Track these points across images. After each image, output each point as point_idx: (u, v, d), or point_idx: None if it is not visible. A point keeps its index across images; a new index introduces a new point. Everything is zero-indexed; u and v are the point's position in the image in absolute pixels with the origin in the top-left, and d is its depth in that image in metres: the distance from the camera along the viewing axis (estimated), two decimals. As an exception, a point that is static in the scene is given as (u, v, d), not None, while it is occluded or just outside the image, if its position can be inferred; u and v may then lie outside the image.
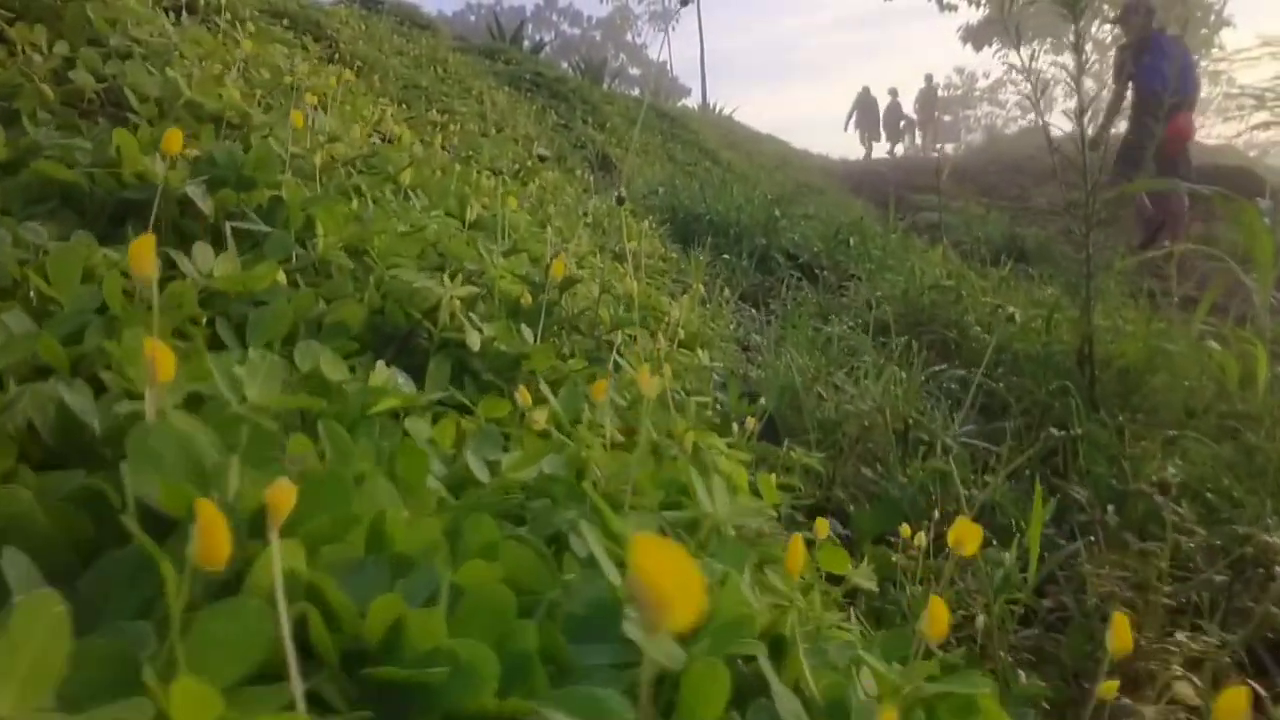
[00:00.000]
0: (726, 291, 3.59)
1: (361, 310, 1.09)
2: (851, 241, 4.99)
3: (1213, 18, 21.39)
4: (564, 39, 53.77)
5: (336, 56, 5.27)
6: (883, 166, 26.48)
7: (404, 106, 5.38)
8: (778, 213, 5.30)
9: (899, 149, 32.99)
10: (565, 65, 16.40)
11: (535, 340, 1.28)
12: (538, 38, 22.77)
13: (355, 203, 1.62)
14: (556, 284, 1.44)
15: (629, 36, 56.59)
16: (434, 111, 5.65)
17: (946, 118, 46.59)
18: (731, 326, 2.93)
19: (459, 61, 8.11)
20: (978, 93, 50.70)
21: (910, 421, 1.94)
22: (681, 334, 2.06)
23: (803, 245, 5.03)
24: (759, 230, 5.22)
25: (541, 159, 1.54)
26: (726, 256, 4.40)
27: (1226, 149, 30.10)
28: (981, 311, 3.53)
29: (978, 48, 28.79)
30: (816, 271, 4.88)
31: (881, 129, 31.79)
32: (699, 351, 2.09)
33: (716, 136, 18.41)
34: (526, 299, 1.38)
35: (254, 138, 1.56)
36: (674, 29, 49.53)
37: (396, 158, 2.08)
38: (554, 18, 55.47)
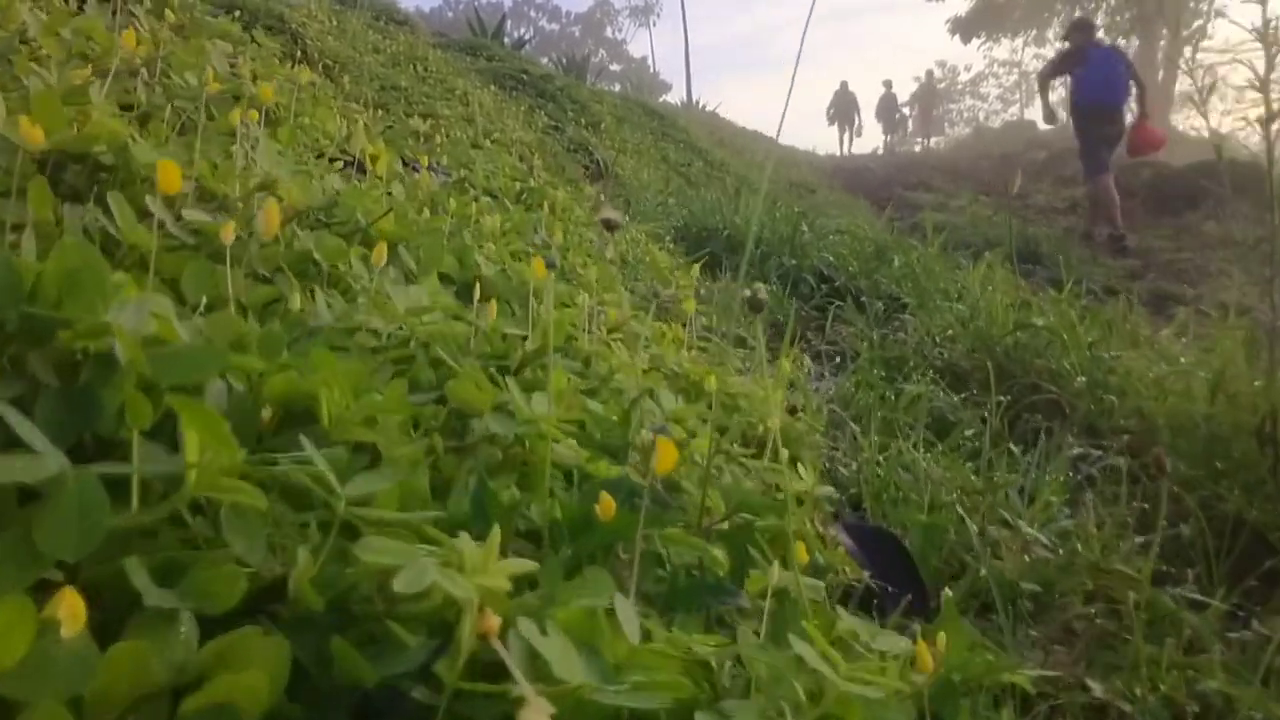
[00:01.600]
0: (810, 363, 2.95)
1: (277, 659, 0.46)
2: (897, 262, 4.37)
3: (1205, 6, 20.97)
4: (543, 35, 52.96)
5: (300, 54, 4.60)
6: (872, 162, 25.97)
7: (381, 112, 4.73)
8: (805, 228, 4.68)
9: (886, 140, 32.74)
10: (546, 61, 15.74)
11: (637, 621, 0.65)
12: (516, 34, 22.03)
13: (298, 298, 0.98)
14: (657, 476, 0.81)
15: (608, 32, 55.86)
16: (415, 118, 5.01)
17: (937, 111, 46.14)
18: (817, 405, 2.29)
19: (439, 59, 7.44)
20: (960, 86, 50.26)
21: (1132, 579, 1.32)
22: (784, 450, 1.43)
23: (836, 265, 4.41)
24: (784, 247, 4.60)
25: (610, 227, 0.99)
26: (763, 286, 3.78)
27: (1217, 142, 29.73)
28: (1082, 357, 2.92)
29: (966, 39, 28.27)
30: (856, 296, 4.26)
31: (877, 120, 31.60)
32: (800, 470, 1.46)
33: (704, 134, 17.81)
34: (606, 505, 0.75)
35: (119, 196, 0.91)
36: (654, 24, 48.71)
37: (368, 203, 1.44)
38: (532, 13, 54.65)
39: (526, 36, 16.36)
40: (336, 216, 1.37)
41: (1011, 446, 2.19)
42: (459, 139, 3.66)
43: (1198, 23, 21.27)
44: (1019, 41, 43.26)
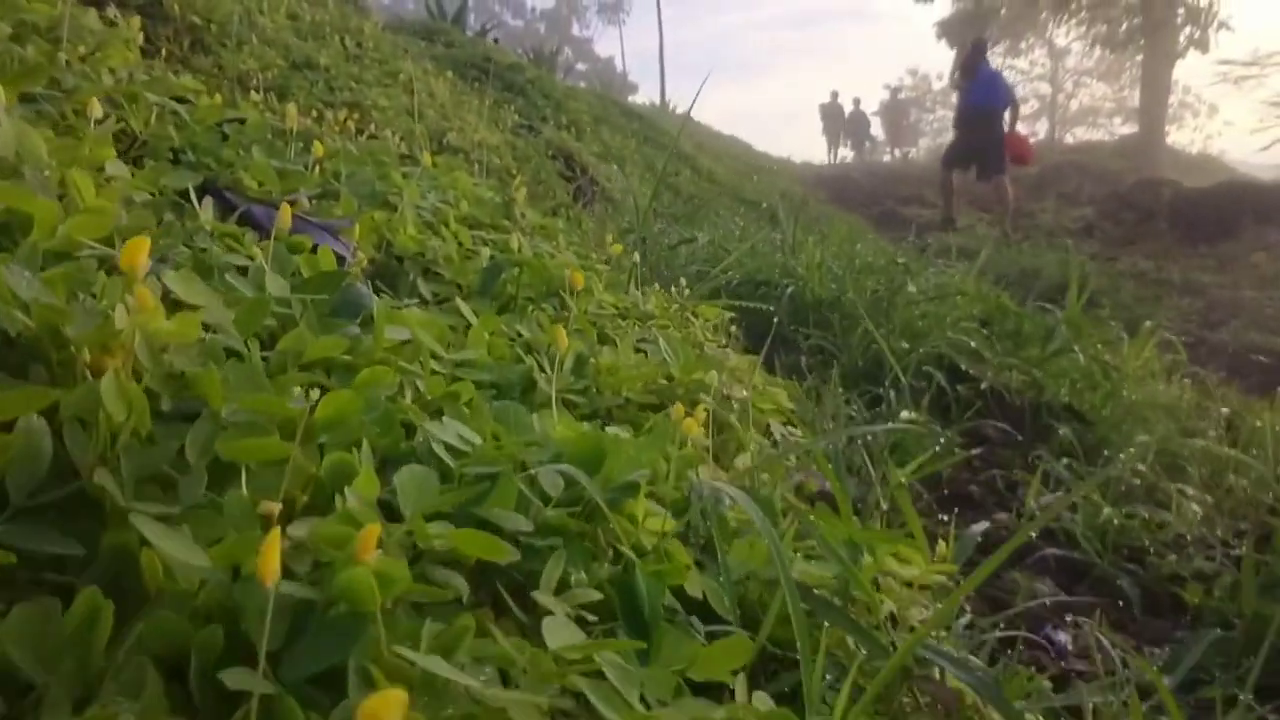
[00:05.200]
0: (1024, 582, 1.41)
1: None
2: (1081, 357, 2.83)
3: (1211, 18, 19.90)
4: (506, 30, 51.15)
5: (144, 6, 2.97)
6: (856, 173, 24.71)
7: (269, 97, 3.13)
8: (912, 288, 3.14)
9: (848, 154, 32.32)
10: (520, 52, 14.10)
11: None
12: (480, 25, 20.26)
13: None
14: None
15: (575, 29, 54.19)
16: (330, 109, 3.45)
17: (905, 121, 45.18)
18: None
19: (379, 35, 5.80)
20: (932, 94, 49.34)
21: None
22: None
23: (977, 353, 2.87)
24: (881, 316, 3.08)
25: None
26: (879, 393, 2.23)
27: (1207, 160, 28.99)
28: None
29: (952, 44, 27.14)
30: (1001, 400, 2.76)
31: (845, 136, 31.28)
32: None
33: (682, 138, 16.26)
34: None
35: None
36: (624, 21, 47.07)
37: None
38: (496, 7, 52.80)
39: (490, 26, 14.63)
40: None
41: None
42: (382, 145, 2.06)
43: (1198, 33, 20.24)
44: (991, 51, 42.22)
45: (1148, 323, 3.52)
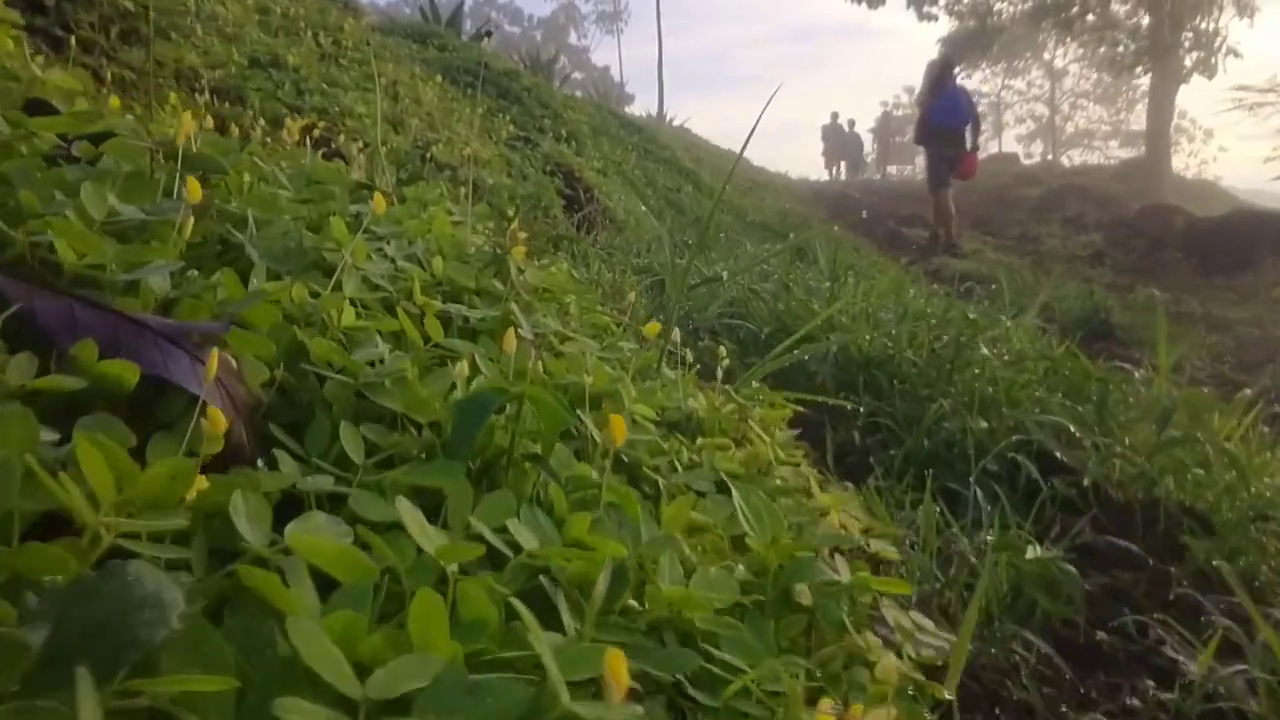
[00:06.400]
0: None
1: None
2: (1210, 448, 2.30)
3: (1220, 44, 19.54)
4: (502, 37, 50.73)
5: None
6: (854, 190, 24.26)
7: (215, 102, 2.60)
8: (985, 349, 2.60)
9: (844, 174, 32.44)
10: (516, 58, 13.56)
11: None
12: (475, 30, 19.67)
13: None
14: None
15: (572, 38, 53.75)
16: (292, 116, 2.93)
17: (899, 139, 44.85)
18: None
19: (360, 30, 5.25)
20: (928, 113, 48.98)
21: None
22: None
23: (1076, 438, 2.33)
24: (943, 381, 2.56)
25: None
26: (952, 486, 1.69)
27: (1206, 186, 28.68)
28: None
29: (957, 61, 26.85)
30: (1103, 500, 2.23)
31: (842, 160, 31.68)
32: None
33: (681, 150, 15.72)
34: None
35: None
36: (622, 31, 46.61)
37: None
38: (493, 14, 52.31)
39: (485, 31, 14.03)
40: None
41: None
42: (330, 170, 1.51)
43: (1204, 58, 19.88)
44: (990, 71, 41.97)
45: (1246, 390, 3.00)
